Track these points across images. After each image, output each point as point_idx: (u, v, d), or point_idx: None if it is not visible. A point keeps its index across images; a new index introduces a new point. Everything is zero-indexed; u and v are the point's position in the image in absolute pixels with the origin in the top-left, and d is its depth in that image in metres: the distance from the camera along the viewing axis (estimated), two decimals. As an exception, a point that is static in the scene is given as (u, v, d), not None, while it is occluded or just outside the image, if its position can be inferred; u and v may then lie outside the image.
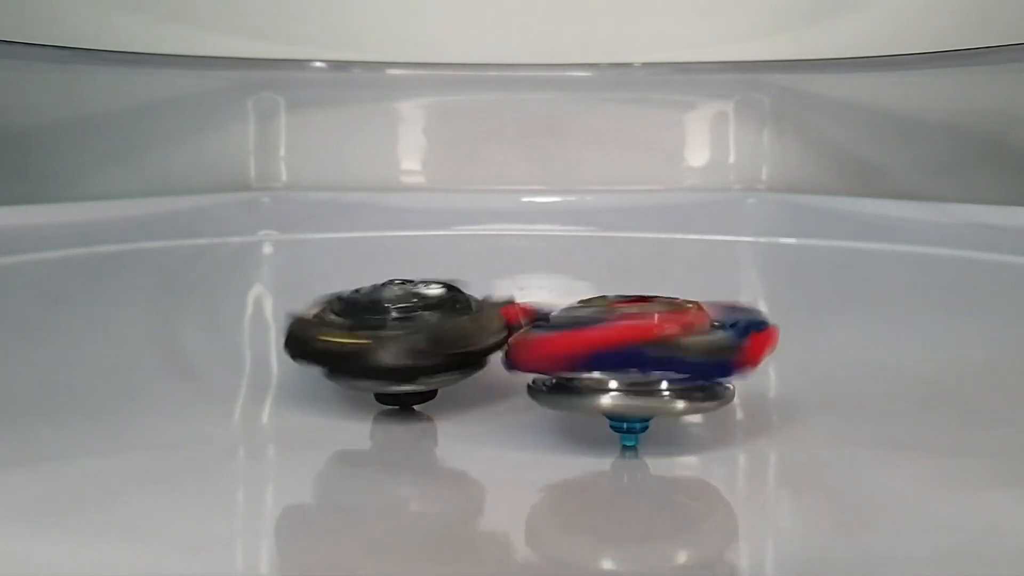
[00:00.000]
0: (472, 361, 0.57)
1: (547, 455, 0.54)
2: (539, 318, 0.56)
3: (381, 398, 0.57)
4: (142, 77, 0.88)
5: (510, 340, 0.55)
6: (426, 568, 0.45)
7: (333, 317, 0.56)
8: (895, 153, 0.89)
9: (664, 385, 0.53)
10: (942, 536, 0.47)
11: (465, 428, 0.57)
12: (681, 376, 0.53)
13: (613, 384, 0.53)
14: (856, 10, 0.88)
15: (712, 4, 0.88)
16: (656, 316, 0.53)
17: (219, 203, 0.85)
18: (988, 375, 0.62)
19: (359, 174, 0.87)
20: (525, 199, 0.85)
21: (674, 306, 0.54)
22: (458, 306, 0.57)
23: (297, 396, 0.61)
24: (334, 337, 0.55)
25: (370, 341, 0.55)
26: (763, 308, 0.51)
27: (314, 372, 0.57)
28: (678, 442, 0.56)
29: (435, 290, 0.57)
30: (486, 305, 0.58)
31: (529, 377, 0.54)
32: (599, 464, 0.53)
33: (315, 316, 0.56)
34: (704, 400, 0.53)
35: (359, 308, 0.56)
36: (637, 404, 0.53)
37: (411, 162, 0.88)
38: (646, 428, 0.54)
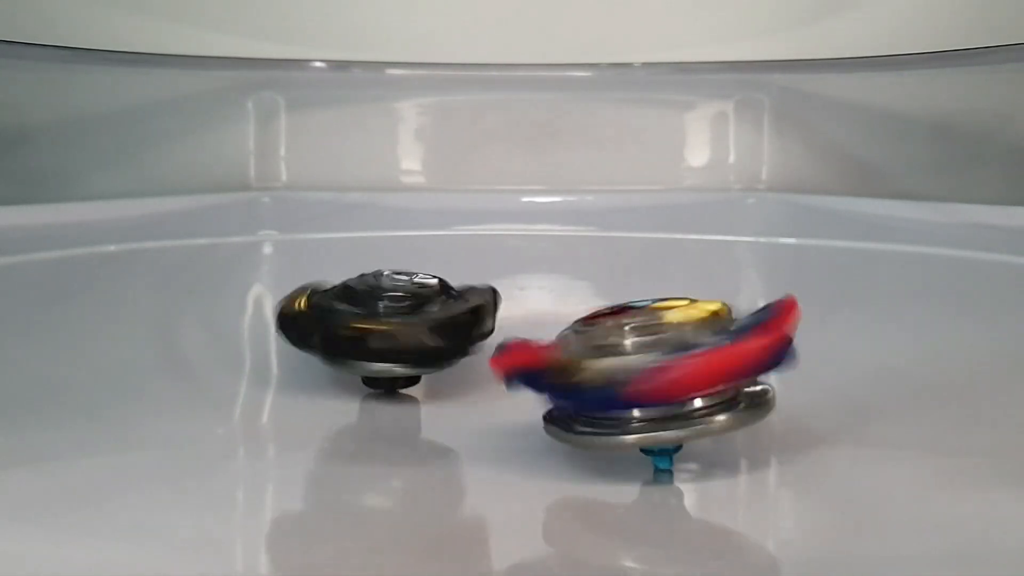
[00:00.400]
0: (461, 348, 0.58)
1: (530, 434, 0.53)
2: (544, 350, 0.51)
3: (368, 382, 0.59)
4: (142, 77, 0.88)
5: (622, 377, 0.49)
6: (427, 568, 0.45)
7: (334, 304, 0.58)
8: (895, 153, 0.89)
9: (698, 403, 0.49)
10: (942, 536, 0.47)
11: (451, 411, 0.58)
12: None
13: (636, 413, 0.49)
14: (856, 10, 0.88)
15: (712, 4, 0.88)
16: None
17: (219, 203, 0.85)
18: (988, 375, 0.62)
19: (359, 174, 0.86)
20: (525, 199, 0.85)
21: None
22: (449, 296, 0.59)
23: (296, 392, 0.61)
24: (340, 321, 0.57)
25: (375, 327, 0.57)
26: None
27: (307, 357, 0.58)
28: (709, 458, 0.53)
29: (427, 280, 0.59)
30: (473, 295, 0.59)
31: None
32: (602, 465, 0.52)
33: (313, 302, 0.58)
34: (746, 411, 0.49)
35: (358, 295, 0.58)
36: (668, 435, 0.48)
37: (411, 162, 0.88)
38: (680, 447, 0.50)
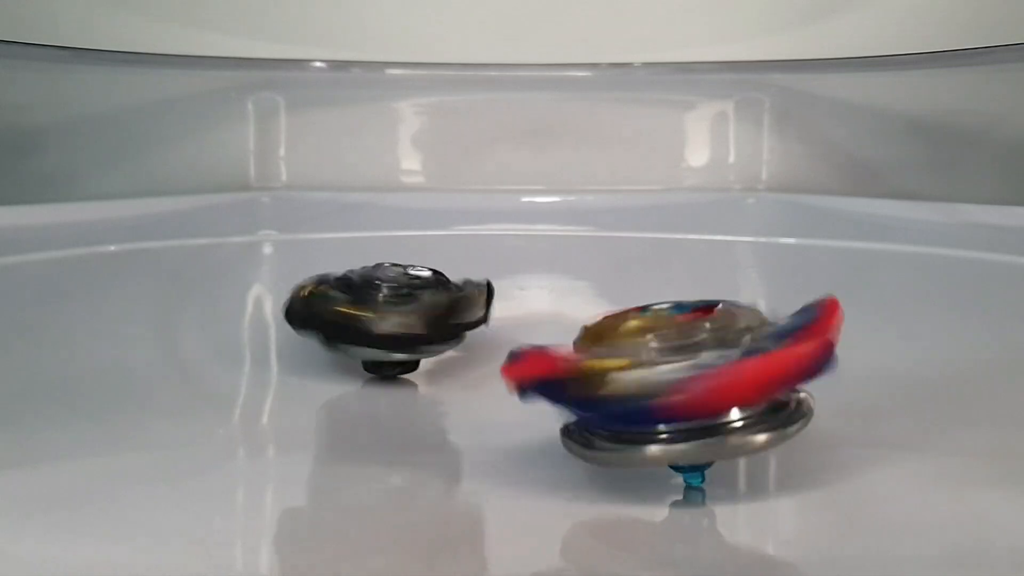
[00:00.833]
0: (456, 335, 0.60)
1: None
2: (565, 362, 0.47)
3: (368, 367, 0.60)
4: (142, 77, 0.88)
5: (656, 389, 0.45)
6: (430, 569, 0.45)
7: (332, 292, 0.59)
8: (895, 153, 0.89)
9: (735, 414, 0.45)
10: (942, 536, 0.47)
11: (449, 402, 0.59)
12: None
13: (663, 425, 0.45)
14: (856, 10, 0.88)
15: (712, 4, 0.88)
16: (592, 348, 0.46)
17: (219, 203, 0.85)
18: (988, 375, 0.62)
19: (359, 174, 0.86)
20: (525, 199, 0.85)
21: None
22: (444, 286, 0.60)
23: (297, 380, 0.61)
24: (334, 307, 0.59)
25: (366, 312, 0.58)
26: (762, 308, 0.48)
27: (308, 349, 0.59)
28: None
29: (423, 272, 0.61)
30: (468, 286, 0.61)
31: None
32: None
33: (314, 290, 0.60)
34: (787, 423, 0.45)
35: (355, 284, 0.60)
36: (699, 450, 0.45)
37: (411, 162, 0.88)
38: (712, 462, 0.46)
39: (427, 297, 0.59)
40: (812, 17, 0.88)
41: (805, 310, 0.47)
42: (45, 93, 0.89)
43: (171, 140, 0.88)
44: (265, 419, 0.60)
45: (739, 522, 0.48)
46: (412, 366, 0.60)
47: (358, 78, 0.88)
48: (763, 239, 0.83)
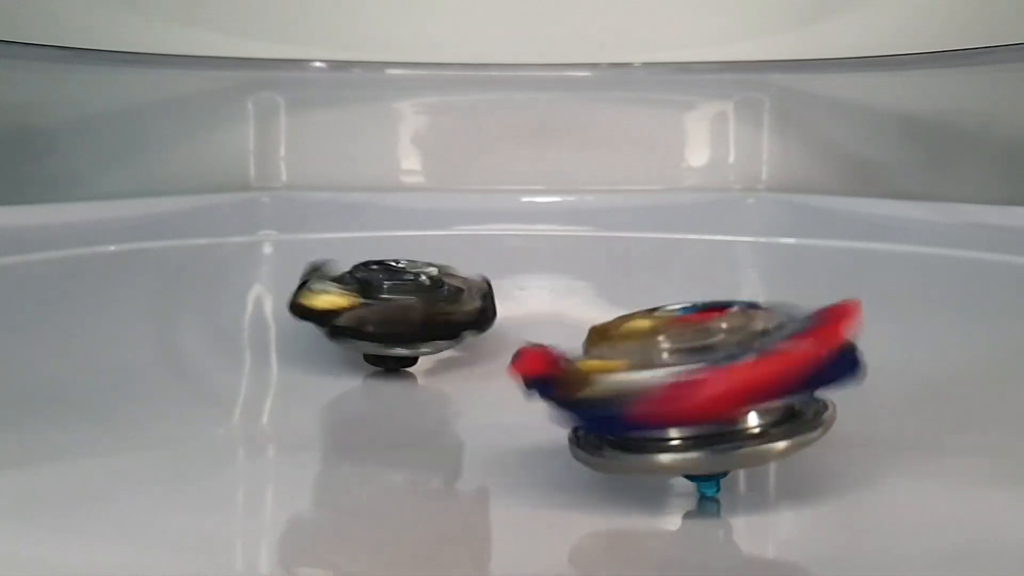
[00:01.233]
0: (456, 332, 0.60)
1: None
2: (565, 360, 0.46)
3: (370, 359, 0.61)
4: (142, 77, 0.88)
5: (631, 394, 0.43)
6: (432, 570, 0.45)
7: (335, 286, 0.60)
8: (895, 153, 0.89)
9: (753, 420, 0.43)
10: (942, 536, 0.47)
11: (453, 397, 0.59)
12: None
13: (675, 432, 0.43)
14: (856, 10, 0.88)
15: (712, 4, 0.88)
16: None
17: (219, 203, 0.85)
18: (988, 375, 0.62)
19: (359, 174, 0.86)
20: (525, 199, 0.85)
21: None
22: (445, 283, 0.61)
23: (299, 375, 0.61)
24: (337, 298, 0.59)
25: (369, 307, 0.59)
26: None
27: (308, 347, 0.59)
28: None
29: (426, 268, 0.61)
30: (469, 283, 0.61)
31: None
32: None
33: (318, 284, 0.60)
34: (807, 430, 0.43)
35: (359, 279, 0.60)
36: (712, 458, 0.43)
37: (411, 162, 0.88)
38: (728, 472, 0.44)
39: (429, 293, 0.60)
40: (812, 17, 0.88)
41: (819, 312, 0.45)
42: (45, 93, 0.89)
43: (171, 140, 0.88)
44: (265, 419, 0.60)
45: (756, 533, 0.47)
46: (413, 360, 0.61)
47: (358, 78, 0.88)
48: (763, 239, 0.83)
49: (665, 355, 0.44)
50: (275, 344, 0.67)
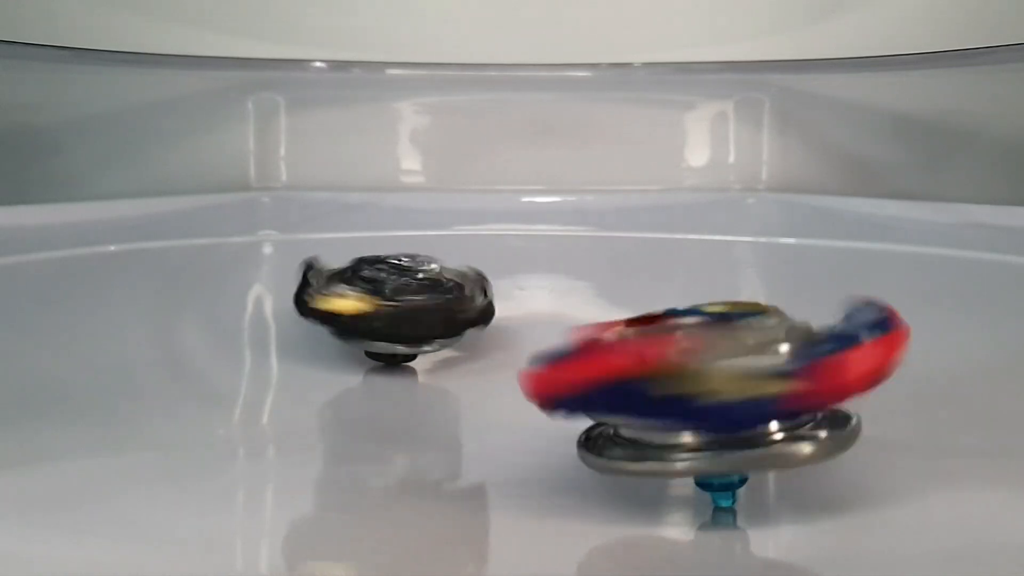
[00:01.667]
0: (462, 329, 0.61)
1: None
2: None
3: (372, 355, 0.61)
4: (142, 77, 0.88)
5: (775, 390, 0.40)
6: (433, 571, 0.45)
7: (338, 283, 0.60)
8: (895, 153, 0.89)
9: (774, 425, 0.40)
10: (942, 536, 0.47)
11: (456, 396, 0.59)
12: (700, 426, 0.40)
13: (688, 436, 0.40)
14: (856, 10, 0.88)
15: (712, 4, 0.88)
16: (676, 333, 0.40)
17: (219, 203, 0.85)
18: (988, 375, 0.62)
19: (359, 174, 0.86)
20: (525, 199, 0.85)
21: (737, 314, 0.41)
22: (447, 281, 0.61)
23: (301, 370, 0.61)
24: (358, 303, 0.59)
25: (371, 305, 0.59)
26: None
27: (309, 346, 0.60)
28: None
29: (425, 265, 0.61)
30: (466, 277, 0.62)
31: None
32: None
33: (322, 281, 0.60)
34: (832, 438, 0.41)
35: (366, 278, 0.60)
36: (729, 461, 0.40)
37: (411, 162, 0.88)
38: (745, 481, 0.42)
39: (431, 292, 0.60)
40: (812, 17, 0.88)
41: (863, 310, 0.43)
42: (45, 93, 0.89)
43: (171, 140, 0.88)
44: (267, 418, 0.60)
45: (770, 544, 0.46)
46: (414, 355, 0.61)
47: (358, 78, 0.88)
48: (763, 239, 0.83)
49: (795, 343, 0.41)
50: (275, 343, 0.67)
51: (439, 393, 0.62)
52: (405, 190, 0.86)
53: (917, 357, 0.63)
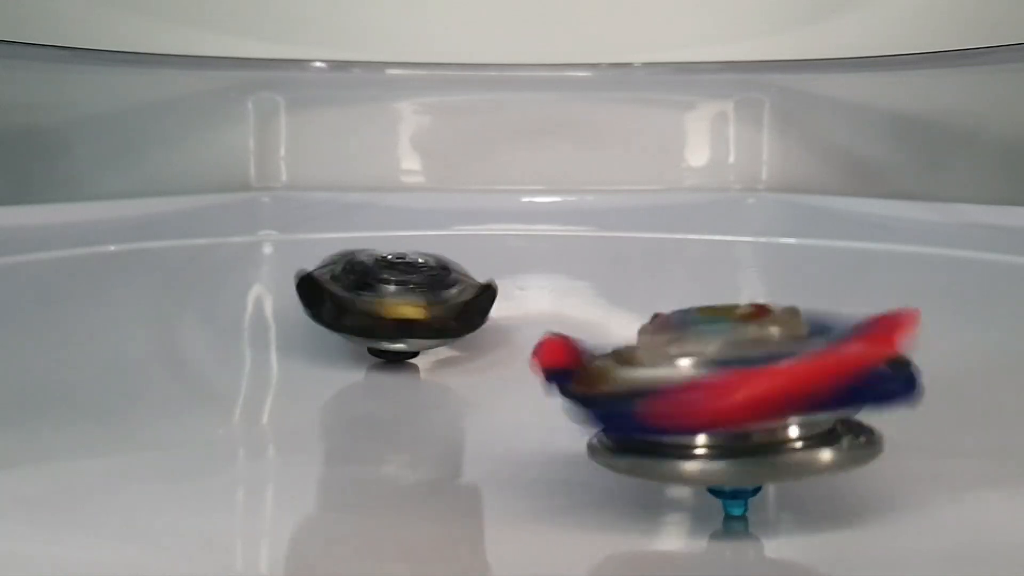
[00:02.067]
0: (459, 329, 0.61)
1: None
2: (588, 356, 0.42)
3: (374, 352, 0.61)
4: (142, 77, 0.88)
5: (648, 391, 0.39)
6: (437, 571, 0.45)
7: (341, 281, 0.60)
8: (895, 153, 0.89)
9: (795, 432, 0.39)
10: (942, 536, 0.47)
11: (453, 390, 0.60)
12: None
13: (702, 439, 0.39)
14: (856, 10, 0.88)
15: (712, 4, 0.88)
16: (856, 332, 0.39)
17: (219, 203, 0.85)
18: (988, 375, 0.62)
19: (359, 174, 0.86)
20: (525, 199, 0.85)
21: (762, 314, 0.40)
22: (449, 280, 0.61)
23: (297, 388, 0.61)
24: (412, 308, 0.60)
25: (373, 303, 0.59)
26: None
27: (309, 345, 0.60)
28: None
29: (431, 264, 0.61)
30: (460, 272, 0.62)
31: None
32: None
33: (325, 277, 0.61)
34: (858, 446, 0.40)
35: (365, 274, 0.60)
36: (752, 469, 0.39)
37: (411, 162, 0.88)
38: (759, 489, 0.41)
39: (433, 290, 0.60)
40: (812, 17, 0.88)
41: (871, 319, 0.42)
42: (45, 93, 0.89)
43: (171, 140, 0.88)
44: (268, 417, 0.60)
45: (784, 554, 0.45)
46: (416, 352, 0.61)
47: (358, 78, 0.88)
48: (763, 239, 0.83)
49: (697, 356, 0.40)
50: (276, 342, 0.67)
51: (443, 390, 0.62)
52: (405, 190, 0.86)
53: (917, 357, 0.63)
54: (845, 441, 0.40)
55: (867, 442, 0.41)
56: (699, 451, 0.40)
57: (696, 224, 0.83)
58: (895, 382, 0.40)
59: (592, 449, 0.42)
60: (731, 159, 0.87)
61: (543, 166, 0.87)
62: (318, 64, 0.87)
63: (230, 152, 0.87)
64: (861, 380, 0.39)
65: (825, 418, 0.40)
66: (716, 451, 0.40)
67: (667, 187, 0.86)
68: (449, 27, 0.87)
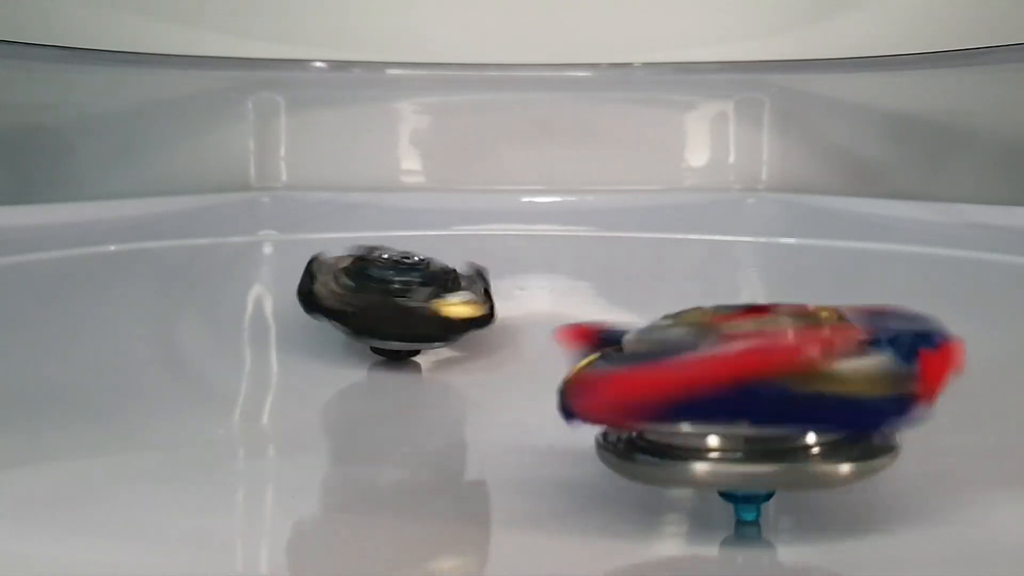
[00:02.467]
0: (462, 328, 0.61)
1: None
2: (606, 342, 0.42)
3: (376, 350, 0.62)
4: (142, 77, 0.88)
5: (567, 378, 0.41)
6: (438, 572, 0.45)
7: (344, 280, 0.61)
8: (895, 153, 0.89)
9: (811, 439, 0.38)
10: (942, 536, 0.47)
11: (463, 395, 0.59)
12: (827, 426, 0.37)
13: (714, 441, 0.38)
14: (856, 10, 0.88)
15: (712, 4, 0.88)
16: (789, 333, 0.38)
17: (219, 203, 0.85)
18: (988, 375, 0.62)
19: (359, 174, 0.86)
20: (525, 199, 0.85)
21: (806, 318, 0.39)
22: (450, 280, 0.62)
23: (297, 389, 0.61)
24: (329, 289, 0.60)
25: (352, 300, 0.60)
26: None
27: (310, 344, 0.60)
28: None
29: (433, 264, 0.62)
30: (472, 280, 0.62)
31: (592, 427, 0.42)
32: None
33: (325, 270, 0.61)
34: (870, 457, 0.39)
35: (367, 273, 0.61)
36: (768, 472, 0.38)
37: (411, 162, 0.88)
38: (772, 494, 0.40)
39: (433, 290, 0.61)
40: (812, 17, 0.88)
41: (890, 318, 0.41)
42: (45, 93, 0.89)
43: (171, 140, 0.88)
44: (270, 417, 0.61)
45: (803, 559, 0.44)
46: (418, 350, 0.62)
47: (358, 78, 0.88)
48: (763, 239, 0.83)
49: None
50: (277, 341, 0.67)
51: (444, 389, 0.62)
52: (405, 190, 0.86)
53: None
54: (860, 449, 0.40)
55: (882, 450, 0.41)
56: (712, 454, 0.39)
57: (696, 224, 0.83)
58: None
59: (600, 451, 0.42)
60: (731, 159, 0.87)
61: (543, 166, 0.87)
62: (318, 64, 0.87)
63: (230, 152, 0.87)
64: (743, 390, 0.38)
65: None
66: (729, 454, 0.39)
67: (667, 187, 0.86)
68: (449, 27, 0.87)
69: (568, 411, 0.40)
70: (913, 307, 0.47)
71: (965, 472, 0.51)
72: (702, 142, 0.88)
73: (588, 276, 0.78)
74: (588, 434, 0.43)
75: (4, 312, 0.69)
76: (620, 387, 0.39)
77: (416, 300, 0.60)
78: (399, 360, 0.61)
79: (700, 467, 0.39)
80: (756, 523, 0.41)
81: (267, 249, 0.83)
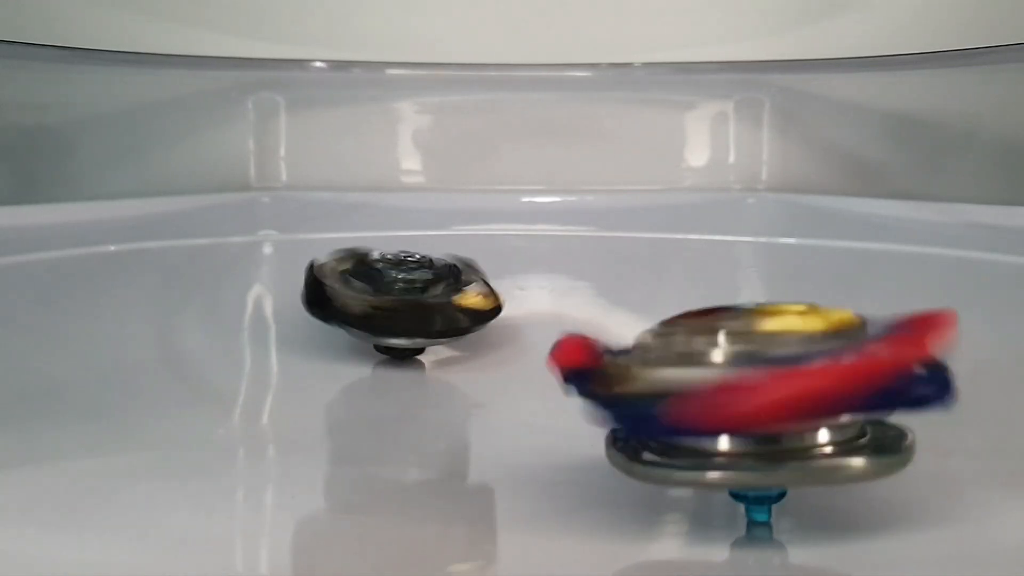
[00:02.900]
0: (466, 327, 0.61)
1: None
2: (607, 355, 0.41)
3: (380, 348, 0.61)
4: (142, 77, 0.88)
5: (674, 392, 0.38)
6: (440, 573, 0.45)
7: (357, 283, 0.60)
8: (895, 153, 0.89)
9: (824, 437, 0.38)
10: (942, 536, 0.47)
11: (457, 386, 0.59)
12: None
13: (724, 444, 0.37)
14: (856, 10, 0.88)
15: (712, 4, 0.88)
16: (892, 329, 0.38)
17: (219, 203, 0.85)
18: (988, 375, 0.62)
19: (359, 174, 0.86)
20: (525, 199, 0.85)
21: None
22: (455, 279, 0.61)
23: (297, 389, 0.61)
24: (347, 294, 0.60)
25: (378, 303, 0.60)
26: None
27: (311, 343, 0.60)
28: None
29: (439, 263, 0.62)
30: (472, 271, 0.62)
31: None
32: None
33: (331, 276, 0.61)
34: (884, 455, 0.38)
35: (379, 274, 0.61)
36: (782, 472, 0.37)
37: (411, 162, 0.88)
38: (784, 495, 0.40)
39: (441, 290, 0.60)
40: (812, 17, 0.88)
41: (904, 319, 0.41)
42: (46, 93, 0.89)
43: (171, 140, 0.88)
44: (271, 417, 0.60)
45: (815, 560, 0.43)
46: (422, 348, 0.62)
47: (358, 78, 0.88)
48: (763, 239, 0.83)
49: (716, 355, 0.39)
50: (277, 342, 0.67)
51: (448, 388, 0.62)
52: (405, 190, 0.86)
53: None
54: (875, 447, 0.39)
55: (898, 448, 0.40)
56: (724, 454, 0.39)
57: (696, 224, 0.83)
58: (929, 385, 0.39)
59: (611, 452, 0.41)
60: (731, 159, 0.87)
61: (543, 166, 0.87)
62: (318, 64, 0.87)
63: (230, 152, 0.87)
64: (894, 383, 0.39)
65: (855, 420, 0.39)
66: (741, 454, 0.38)
67: (667, 187, 0.86)
68: (449, 27, 0.87)
69: (669, 427, 0.38)
70: (913, 307, 0.47)
71: (965, 472, 0.51)
72: (702, 142, 0.88)
73: (588, 276, 0.78)
74: (591, 434, 0.42)
75: (4, 312, 0.69)
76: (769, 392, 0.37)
77: (437, 297, 0.60)
78: (405, 359, 0.61)
79: (713, 468, 0.38)
80: (768, 524, 0.41)
81: (267, 249, 0.83)
